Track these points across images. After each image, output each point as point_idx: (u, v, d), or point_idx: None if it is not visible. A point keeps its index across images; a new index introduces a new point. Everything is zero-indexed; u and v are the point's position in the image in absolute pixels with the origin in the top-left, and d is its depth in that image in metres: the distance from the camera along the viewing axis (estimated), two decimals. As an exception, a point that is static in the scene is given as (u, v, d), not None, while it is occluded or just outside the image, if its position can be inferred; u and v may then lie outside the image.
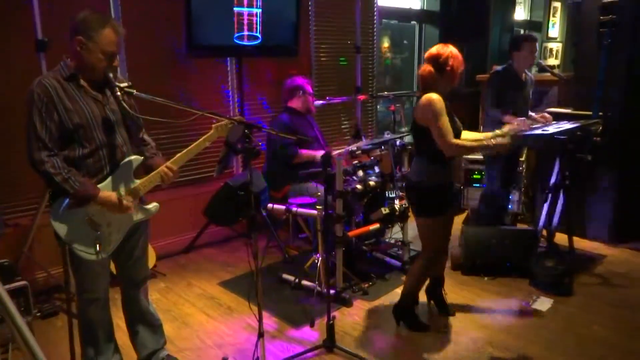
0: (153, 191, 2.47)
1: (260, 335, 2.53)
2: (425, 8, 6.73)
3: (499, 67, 4.33)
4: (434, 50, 2.88)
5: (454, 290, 3.64)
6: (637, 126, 4.28)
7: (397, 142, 4.01)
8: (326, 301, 2.91)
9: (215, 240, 4.70)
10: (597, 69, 4.21)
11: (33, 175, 2.19)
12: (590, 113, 4.21)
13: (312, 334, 3.14)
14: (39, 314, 3.32)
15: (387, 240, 4.41)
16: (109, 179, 2.29)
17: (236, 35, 4.30)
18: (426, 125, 2.80)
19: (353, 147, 3.71)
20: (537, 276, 3.69)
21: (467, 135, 3.02)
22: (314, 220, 3.64)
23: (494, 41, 7.10)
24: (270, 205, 3.77)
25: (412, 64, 6.88)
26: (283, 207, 3.69)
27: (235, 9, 4.25)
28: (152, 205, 2.46)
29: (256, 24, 4.39)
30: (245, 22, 4.32)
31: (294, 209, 3.61)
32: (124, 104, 2.28)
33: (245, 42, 4.37)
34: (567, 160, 3.80)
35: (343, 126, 5.75)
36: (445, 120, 2.76)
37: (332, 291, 3.33)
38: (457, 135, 2.87)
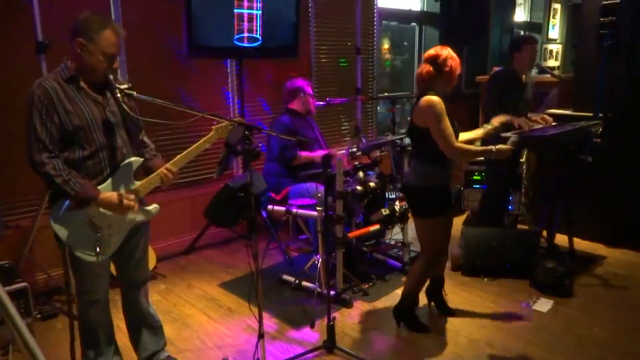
0: (153, 193, 2.47)
1: (261, 336, 2.53)
2: (425, 9, 6.74)
3: (499, 69, 4.33)
4: (432, 51, 2.89)
5: (454, 291, 3.64)
6: (637, 127, 4.28)
7: (398, 143, 4.01)
8: (326, 302, 2.91)
9: (215, 242, 4.70)
10: (597, 71, 4.21)
11: (33, 176, 2.19)
12: (590, 114, 4.21)
13: (312, 335, 3.14)
14: (39, 316, 3.32)
15: (387, 241, 4.41)
16: (109, 180, 2.29)
17: (236, 36, 4.31)
18: (425, 126, 2.80)
19: (353, 148, 3.71)
20: (537, 277, 3.69)
21: (463, 136, 3.02)
22: (314, 222, 3.64)
23: (494, 42, 7.10)
24: (270, 206, 3.78)
25: (412, 66, 6.88)
26: (283, 208, 3.69)
27: (236, 11, 4.25)
28: (153, 207, 2.47)
29: (256, 25, 4.40)
30: (246, 23, 4.33)
31: (294, 210, 3.61)
32: (124, 106, 2.28)
33: (246, 44, 4.37)
34: (567, 162, 3.80)
35: (343, 127, 5.76)
36: (447, 124, 2.76)
37: (332, 292, 3.32)
38: (456, 137, 2.87)
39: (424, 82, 2.87)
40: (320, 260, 3.52)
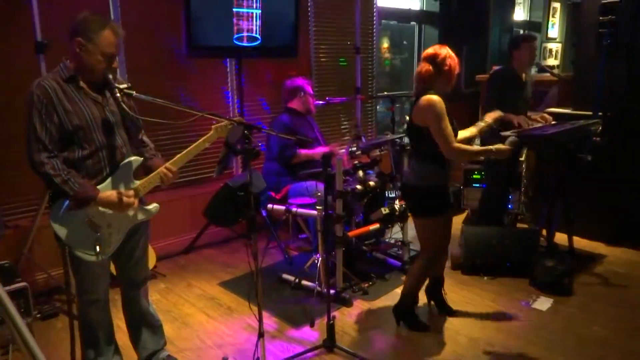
0: (153, 192, 2.48)
1: (261, 335, 2.53)
2: (424, 9, 6.74)
3: (498, 68, 4.33)
4: (431, 50, 2.88)
5: (454, 290, 3.65)
6: (637, 126, 4.28)
7: (397, 142, 4.01)
8: (326, 301, 2.91)
9: (215, 241, 4.70)
10: (597, 69, 4.21)
11: (33, 176, 2.19)
12: (590, 113, 4.21)
13: (312, 334, 3.14)
14: (39, 315, 3.32)
15: (387, 240, 4.41)
16: (109, 180, 2.29)
17: (236, 36, 4.31)
18: (425, 126, 2.80)
19: (353, 147, 3.71)
20: (537, 276, 3.69)
21: (461, 134, 3.02)
22: (314, 221, 3.65)
23: (493, 42, 7.10)
24: (270, 205, 3.78)
25: (412, 65, 6.89)
26: (283, 207, 3.69)
27: (235, 10, 4.25)
28: (153, 206, 2.47)
29: (255, 25, 4.40)
30: (245, 23, 4.33)
31: (294, 209, 3.61)
32: (124, 106, 2.29)
33: (245, 43, 4.38)
34: (567, 161, 3.80)
35: (343, 126, 5.76)
36: (447, 124, 2.76)
37: (332, 291, 3.33)
38: (455, 136, 2.87)
39: (423, 81, 2.86)
40: (320, 259, 3.52)
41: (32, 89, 2.16)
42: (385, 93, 6.33)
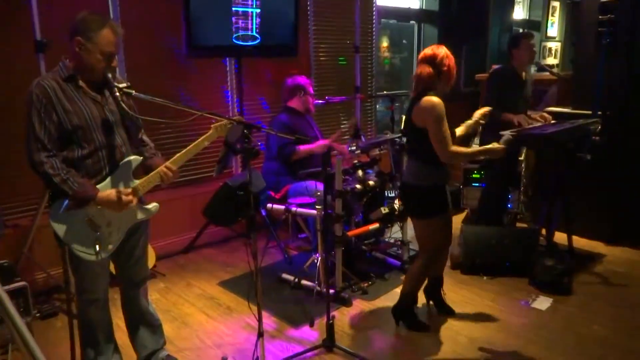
0: (152, 191, 2.48)
1: (260, 335, 2.53)
2: (424, 8, 6.74)
3: (498, 67, 4.33)
4: (429, 51, 2.86)
5: (454, 289, 3.65)
6: (636, 125, 4.28)
7: (397, 141, 4.01)
8: (326, 301, 2.91)
9: (214, 241, 4.70)
10: (596, 68, 4.21)
11: (33, 176, 2.19)
12: (589, 112, 4.21)
13: (311, 334, 3.14)
14: (38, 315, 3.32)
15: (386, 239, 4.41)
16: (108, 179, 2.29)
17: (235, 35, 4.31)
18: (424, 126, 2.80)
19: (352, 147, 3.71)
20: (536, 275, 3.69)
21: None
22: (314, 220, 3.64)
23: (493, 41, 7.10)
24: (269, 205, 3.77)
25: (411, 64, 6.88)
26: (282, 207, 3.69)
27: (234, 9, 4.25)
28: (152, 205, 2.46)
29: (255, 24, 4.39)
30: (244, 22, 4.32)
31: (293, 208, 3.61)
32: (123, 105, 2.29)
33: (244, 42, 4.37)
34: (566, 160, 3.81)
35: (342, 126, 5.75)
36: (446, 127, 2.75)
37: (331, 291, 3.33)
38: (452, 137, 2.86)
39: (423, 83, 2.85)
40: (319, 258, 3.52)
41: (32, 88, 2.15)
42: (385, 92, 6.33)
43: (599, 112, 4.15)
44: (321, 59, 5.39)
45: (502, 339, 3.05)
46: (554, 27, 8.41)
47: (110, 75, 2.26)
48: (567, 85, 4.88)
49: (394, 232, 4.29)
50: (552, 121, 4.14)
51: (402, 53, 7.15)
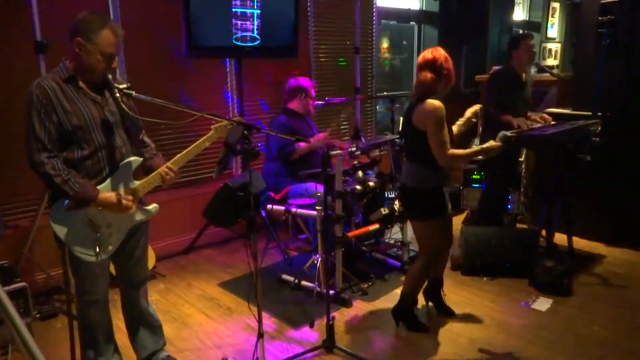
0: (153, 192, 2.48)
1: (260, 335, 2.53)
2: (424, 9, 6.74)
3: (499, 68, 4.33)
4: (428, 55, 2.86)
5: (454, 290, 3.65)
6: (636, 126, 4.28)
7: (397, 142, 4.01)
8: (326, 302, 2.91)
9: (214, 241, 4.70)
10: (596, 69, 4.22)
11: (33, 176, 2.19)
12: (589, 113, 4.21)
13: (311, 335, 3.14)
14: (38, 316, 3.32)
15: (386, 240, 4.41)
16: (108, 180, 2.29)
17: (235, 36, 4.31)
18: (424, 129, 2.80)
19: (352, 147, 3.71)
20: (536, 276, 3.69)
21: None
22: (314, 221, 3.64)
23: (493, 42, 7.10)
24: (269, 206, 3.77)
25: (411, 65, 6.89)
26: (282, 208, 3.69)
27: (234, 10, 4.25)
28: (152, 206, 2.47)
29: (255, 24, 4.40)
30: (244, 23, 4.32)
31: (293, 209, 3.61)
32: (123, 106, 2.29)
33: (244, 43, 4.37)
34: (566, 161, 3.81)
35: (342, 127, 5.76)
36: (446, 131, 2.76)
37: (331, 292, 3.33)
38: (450, 140, 2.86)
39: (425, 88, 2.85)
40: (319, 259, 3.52)
41: (32, 89, 2.16)
42: (385, 93, 6.33)
43: (599, 113, 4.15)
44: (321, 59, 5.39)
45: (502, 340, 3.05)
46: (554, 28, 8.41)
47: (110, 76, 2.26)
48: (567, 86, 4.88)
49: (394, 233, 4.29)
50: (552, 122, 4.14)
51: (402, 54, 7.15)
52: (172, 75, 4.29)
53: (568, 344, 3.01)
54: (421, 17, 6.71)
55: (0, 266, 3.14)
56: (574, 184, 4.06)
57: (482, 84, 5.63)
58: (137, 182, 2.36)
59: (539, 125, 4.04)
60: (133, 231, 2.44)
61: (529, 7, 8.32)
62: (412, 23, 6.76)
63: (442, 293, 3.38)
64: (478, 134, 4.77)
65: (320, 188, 3.47)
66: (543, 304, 3.47)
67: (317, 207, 3.44)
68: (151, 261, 3.91)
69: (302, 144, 4.09)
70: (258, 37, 4.44)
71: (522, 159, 4.71)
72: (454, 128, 3.10)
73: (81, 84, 2.24)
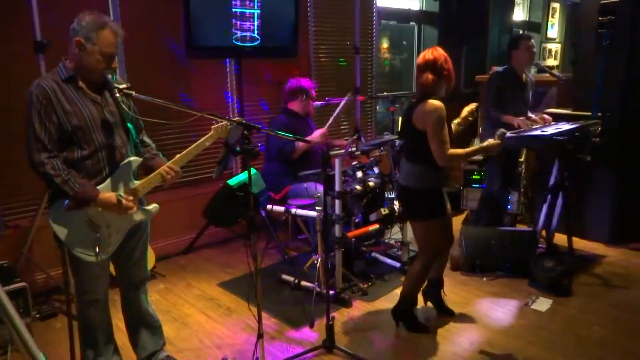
0: (153, 192, 2.47)
1: (260, 336, 2.53)
2: (424, 9, 6.74)
3: (499, 68, 4.33)
4: (429, 55, 2.85)
5: (454, 290, 3.64)
6: (636, 127, 4.28)
7: (397, 143, 4.01)
8: (325, 302, 2.91)
9: (214, 241, 4.70)
10: (596, 70, 4.21)
11: (32, 176, 2.19)
12: (589, 114, 4.21)
13: (311, 335, 3.14)
14: (38, 316, 3.32)
15: (386, 240, 4.41)
16: (108, 180, 2.29)
17: (235, 36, 4.31)
18: (425, 129, 2.80)
19: (352, 148, 3.71)
20: (536, 277, 3.69)
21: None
22: (313, 221, 3.64)
23: (493, 42, 7.10)
24: (269, 206, 3.77)
25: (411, 65, 6.89)
26: (282, 208, 3.69)
27: (234, 10, 4.25)
28: (152, 207, 2.46)
29: (255, 25, 4.39)
30: (244, 23, 4.32)
31: (293, 210, 3.61)
32: (123, 106, 2.28)
33: (244, 43, 4.37)
34: (566, 161, 3.81)
35: (342, 127, 5.76)
36: (446, 131, 2.77)
37: (331, 292, 3.33)
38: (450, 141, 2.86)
39: (426, 89, 2.85)
40: (319, 259, 3.52)
41: (31, 89, 2.16)
42: (385, 93, 6.33)
43: (599, 114, 4.15)
44: (321, 60, 5.39)
45: (501, 340, 3.05)
46: (554, 28, 8.41)
47: (110, 76, 2.26)
48: (567, 86, 4.88)
49: (394, 233, 4.29)
50: (552, 122, 4.14)
51: (402, 54, 7.15)
52: (172, 75, 4.29)
53: (568, 344, 3.01)
54: (421, 17, 6.71)
55: (0, 266, 3.14)
56: (574, 185, 4.06)
57: (482, 84, 5.63)
58: (137, 182, 2.36)
59: (539, 125, 4.04)
60: (133, 231, 2.44)
61: (529, 8, 8.33)
62: (412, 23, 6.76)
63: (443, 293, 3.37)
64: (478, 134, 4.77)
65: (320, 188, 3.47)
66: (543, 304, 3.47)
67: (316, 207, 3.44)
68: (151, 261, 3.91)
69: (301, 143, 4.09)
70: (258, 37, 4.43)
71: (522, 159, 4.71)
72: (452, 127, 3.11)
73: (81, 84, 2.24)
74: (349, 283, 3.68)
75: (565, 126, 3.82)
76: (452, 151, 2.80)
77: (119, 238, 2.36)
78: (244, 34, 4.35)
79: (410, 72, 6.86)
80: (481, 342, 3.04)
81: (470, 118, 3.18)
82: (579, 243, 4.41)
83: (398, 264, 4.02)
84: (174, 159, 2.41)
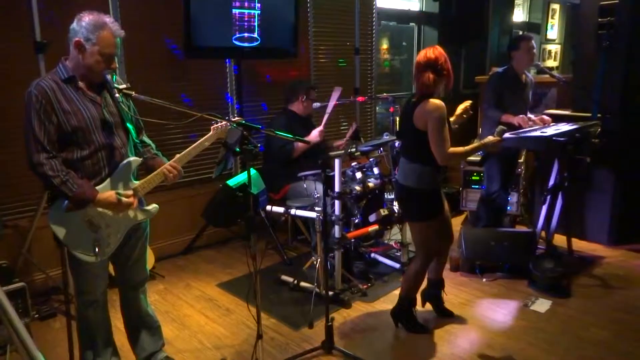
0: (152, 192, 2.47)
1: (259, 336, 2.53)
2: (424, 10, 6.74)
3: (499, 69, 4.34)
4: (431, 54, 2.84)
5: (453, 291, 3.64)
6: (635, 128, 4.29)
7: (396, 144, 4.01)
8: (325, 302, 2.91)
9: (214, 242, 4.70)
10: (596, 71, 4.22)
11: (32, 176, 2.19)
12: (589, 115, 4.22)
13: (310, 336, 3.14)
14: (37, 316, 3.31)
15: (385, 241, 4.41)
16: (108, 180, 2.29)
17: (235, 36, 4.31)
18: (426, 129, 2.80)
19: (352, 148, 3.70)
20: (535, 278, 3.69)
21: None
22: (313, 222, 3.64)
23: (492, 43, 7.11)
24: (268, 206, 3.77)
25: (411, 66, 6.89)
26: (282, 208, 3.68)
27: (234, 11, 4.25)
28: (152, 207, 2.46)
29: (255, 25, 4.39)
30: (244, 23, 4.32)
31: (292, 210, 3.61)
32: (123, 106, 2.28)
33: (244, 44, 4.37)
34: (565, 162, 3.81)
35: (342, 128, 5.76)
36: (447, 130, 2.77)
37: (330, 293, 3.32)
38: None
39: (427, 88, 2.85)
40: (318, 260, 3.52)
41: (31, 89, 2.15)
42: (385, 94, 6.33)
43: (599, 115, 4.15)
44: (321, 60, 5.39)
45: (501, 341, 3.05)
46: (553, 29, 8.42)
47: (110, 77, 2.26)
48: (567, 87, 4.88)
49: (394, 234, 4.29)
50: (552, 123, 4.14)
51: (402, 55, 7.15)
52: (172, 76, 4.29)
53: (567, 345, 3.01)
54: (421, 18, 6.72)
55: (-1, 266, 3.14)
56: (574, 186, 4.06)
57: (481, 85, 5.63)
58: (136, 183, 2.36)
59: (538, 126, 4.04)
60: (132, 231, 2.44)
61: (529, 9, 8.34)
62: (411, 24, 6.76)
63: (443, 294, 3.37)
64: (478, 135, 4.77)
65: (320, 188, 3.47)
66: (542, 305, 3.47)
67: (316, 208, 3.44)
68: (150, 262, 3.90)
69: (301, 144, 4.09)
70: (258, 37, 4.43)
71: (521, 160, 4.72)
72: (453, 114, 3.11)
73: (80, 84, 2.24)
74: (348, 284, 3.68)
75: (564, 127, 3.82)
76: (452, 149, 2.80)
77: (118, 238, 2.36)
78: (244, 34, 4.35)
79: (410, 73, 6.87)
80: (480, 343, 3.04)
81: (464, 115, 3.17)
82: (579, 244, 4.41)
83: (397, 265, 4.02)
84: (174, 159, 2.41)
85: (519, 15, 8.13)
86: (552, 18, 8.34)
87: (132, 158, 2.35)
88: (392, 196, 4.00)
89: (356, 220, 3.82)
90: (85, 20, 2.18)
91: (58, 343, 2.99)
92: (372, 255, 4.21)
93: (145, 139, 2.57)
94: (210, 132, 2.45)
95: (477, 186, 4.91)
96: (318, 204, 3.52)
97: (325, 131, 4.26)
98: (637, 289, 3.73)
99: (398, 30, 6.97)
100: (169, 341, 2.98)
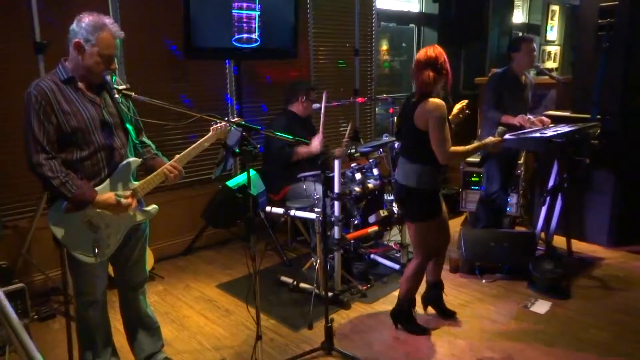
0: (152, 193, 2.47)
1: (258, 337, 2.53)
2: (423, 11, 6.75)
3: (498, 70, 4.34)
4: (431, 52, 2.85)
5: (452, 292, 3.64)
6: (635, 129, 4.29)
7: (395, 145, 4.01)
8: (324, 304, 2.91)
9: (213, 243, 4.70)
10: (596, 72, 4.22)
11: (32, 177, 2.19)
12: (588, 116, 4.22)
13: (310, 337, 3.13)
14: (36, 317, 3.31)
15: (385, 242, 4.41)
16: (107, 181, 2.29)
17: (235, 37, 4.31)
18: (426, 129, 2.80)
19: (351, 149, 3.71)
20: (535, 279, 3.69)
21: None
22: (312, 223, 3.64)
23: (492, 44, 7.12)
24: (268, 207, 3.77)
25: (411, 67, 6.88)
26: (281, 209, 3.68)
27: (234, 12, 4.25)
28: (151, 207, 2.46)
29: (254, 26, 4.40)
30: (244, 24, 4.32)
31: (292, 211, 3.61)
32: (122, 107, 2.28)
33: (244, 45, 4.37)
34: (565, 163, 3.81)
35: (341, 129, 5.76)
36: (447, 129, 2.77)
37: (330, 294, 3.32)
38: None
39: (427, 87, 2.85)
40: (318, 261, 3.52)
41: (30, 90, 2.15)
42: (384, 95, 6.33)
43: (598, 116, 4.15)
44: (321, 62, 5.40)
45: (500, 342, 3.05)
46: (553, 30, 8.43)
47: (109, 78, 2.26)
48: (567, 89, 4.88)
49: (393, 235, 4.29)
50: (551, 125, 4.14)
51: (401, 56, 7.16)
52: (172, 76, 4.30)
53: (566, 346, 3.01)
54: (420, 19, 6.72)
55: (-1, 267, 3.14)
56: (573, 187, 4.06)
57: (481, 86, 5.64)
58: (136, 183, 2.36)
59: (538, 127, 4.04)
60: (132, 232, 2.44)
61: (529, 10, 8.34)
62: (411, 25, 6.77)
63: (443, 294, 3.36)
64: (477, 136, 4.77)
65: (319, 189, 3.47)
66: (542, 306, 3.47)
67: (316, 209, 3.44)
68: (150, 262, 3.90)
69: (301, 149, 4.10)
70: (258, 38, 4.44)
71: (521, 161, 4.72)
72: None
73: (80, 85, 2.24)
74: (347, 285, 3.68)
75: (564, 128, 3.82)
76: (453, 148, 2.80)
77: (117, 239, 2.36)
78: (244, 35, 4.35)
79: (410, 74, 6.86)
80: (480, 344, 3.03)
81: (461, 115, 3.17)
82: (578, 245, 4.41)
83: (397, 266, 4.02)
84: (174, 159, 2.41)
85: (519, 16, 8.14)
86: (552, 19, 8.34)
87: (131, 159, 2.35)
88: (392, 197, 4.00)
89: (356, 222, 3.82)
90: (85, 21, 2.17)
91: (57, 344, 2.99)
92: (372, 256, 4.21)
93: (145, 139, 2.57)
94: (210, 133, 2.45)
95: (476, 187, 4.90)
96: (317, 205, 3.52)
97: (324, 132, 4.26)
98: (636, 291, 3.73)
99: (398, 32, 6.98)
100: (168, 342, 2.98)
